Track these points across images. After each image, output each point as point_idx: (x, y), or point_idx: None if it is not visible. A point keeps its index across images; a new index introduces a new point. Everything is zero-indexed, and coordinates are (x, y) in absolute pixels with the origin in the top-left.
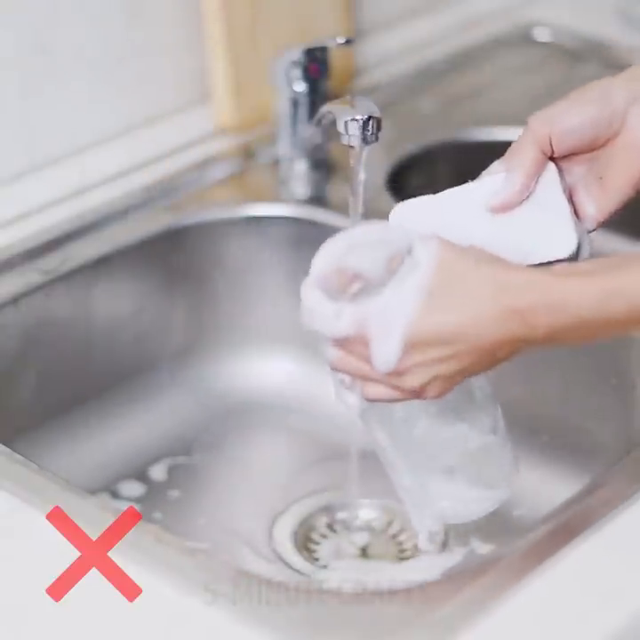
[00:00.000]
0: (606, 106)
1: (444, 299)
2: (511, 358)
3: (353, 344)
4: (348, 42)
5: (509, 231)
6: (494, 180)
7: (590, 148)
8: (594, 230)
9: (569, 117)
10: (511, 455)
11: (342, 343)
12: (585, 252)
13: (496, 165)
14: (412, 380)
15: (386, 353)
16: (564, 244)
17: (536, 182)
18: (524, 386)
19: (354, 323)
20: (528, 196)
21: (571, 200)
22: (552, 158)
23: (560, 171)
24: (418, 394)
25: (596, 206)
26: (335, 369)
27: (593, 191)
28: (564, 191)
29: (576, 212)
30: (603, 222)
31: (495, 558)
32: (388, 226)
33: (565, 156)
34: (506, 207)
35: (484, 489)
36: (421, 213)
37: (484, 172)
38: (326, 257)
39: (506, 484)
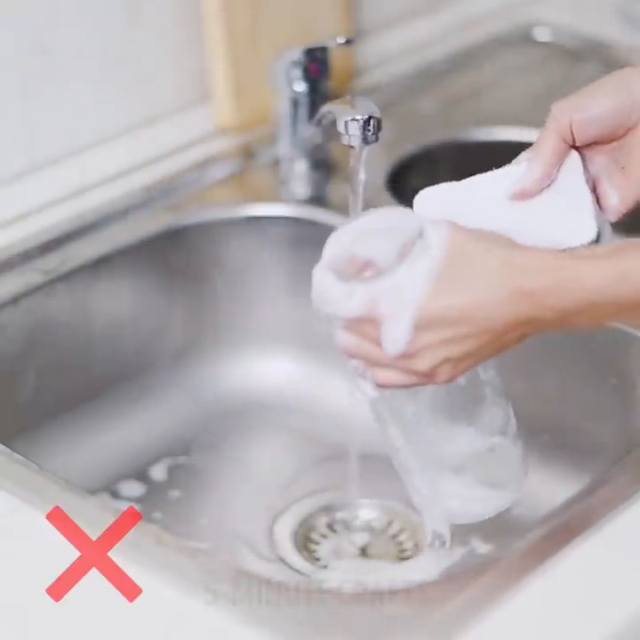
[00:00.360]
0: (627, 96)
1: (453, 281)
2: (521, 341)
3: (364, 326)
4: (348, 42)
5: (530, 219)
6: (518, 169)
7: (612, 138)
8: (616, 220)
9: (590, 107)
10: (521, 455)
11: (353, 326)
12: (605, 242)
13: (524, 154)
14: (422, 363)
15: (396, 335)
16: (584, 233)
17: (558, 171)
18: (523, 386)
19: (365, 303)
20: (550, 185)
21: (594, 190)
22: (576, 147)
23: (583, 160)
24: (428, 377)
25: (619, 196)
26: (346, 354)
27: (616, 181)
28: (588, 181)
29: (599, 203)
30: (626, 212)
31: (495, 558)
32: (400, 211)
33: (588, 146)
34: (526, 195)
35: (493, 489)
36: (444, 201)
37: (513, 161)
38: (338, 243)
39: (515, 485)
